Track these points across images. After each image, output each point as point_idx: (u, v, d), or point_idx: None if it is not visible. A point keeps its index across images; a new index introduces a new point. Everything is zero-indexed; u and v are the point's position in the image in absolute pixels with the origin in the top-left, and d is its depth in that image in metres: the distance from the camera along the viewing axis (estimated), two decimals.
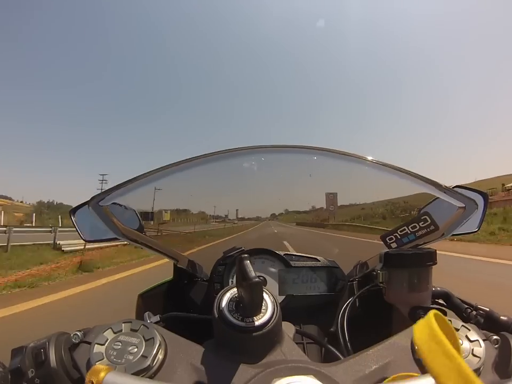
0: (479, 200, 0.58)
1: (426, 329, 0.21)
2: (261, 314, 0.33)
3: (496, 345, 0.36)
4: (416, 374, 0.27)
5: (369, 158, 0.57)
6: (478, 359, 0.33)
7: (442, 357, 0.19)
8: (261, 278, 0.66)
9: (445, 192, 0.54)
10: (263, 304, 0.33)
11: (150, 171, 0.55)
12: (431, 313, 0.23)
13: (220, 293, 0.35)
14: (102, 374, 0.25)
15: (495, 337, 0.36)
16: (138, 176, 0.54)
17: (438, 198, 0.59)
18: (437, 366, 0.19)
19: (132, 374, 0.28)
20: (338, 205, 0.87)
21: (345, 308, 0.57)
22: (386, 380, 0.28)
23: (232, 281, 0.66)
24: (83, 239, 0.62)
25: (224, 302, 0.34)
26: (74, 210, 0.61)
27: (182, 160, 0.57)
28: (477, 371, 0.32)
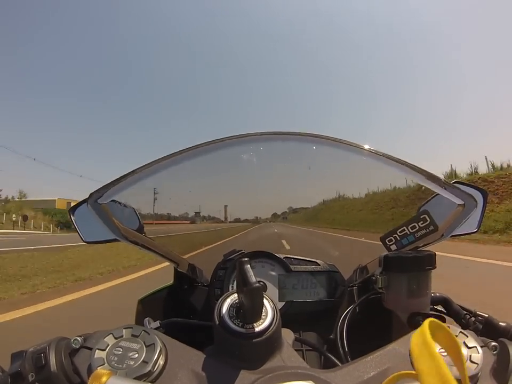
0: (478, 197, 0.57)
1: (420, 340, 0.22)
2: (261, 320, 0.33)
3: (494, 352, 0.36)
4: (415, 372, 0.27)
5: (366, 146, 0.55)
6: (476, 365, 0.33)
7: (433, 372, 0.20)
8: (261, 283, 0.66)
9: (444, 188, 0.53)
10: (263, 311, 0.34)
11: (146, 164, 0.54)
12: (426, 322, 0.23)
13: (220, 299, 0.36)
14: (104, 379, 0.25)
15: (493, 343, 0.37)
16: (136, 169, 0.53)
17: (437, 195, 0.58)
18: (423, 367, 0.20)
19: (133, 379, 0.29)
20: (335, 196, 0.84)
21: (345, 316, 0.57)
22: (385, 380, 0.27)
23: (232, 286, 0.66)
24: (83, 241, 0.61)
25: (224, 309, 0.34)
26: (73, 209, 0.60)
27: (176, 152, 0.55)
28: (475, 377, 0.32)
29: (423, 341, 0.21)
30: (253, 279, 0.30)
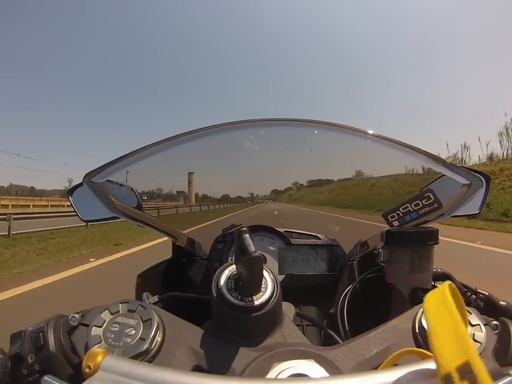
0: (482, 181, 0.56)
1: (438, 294, 0.21)
2: (261, 293, 0.32)
3: (495, 331, 0.35)
4: (418, 349, 0.27)
5: (371, 131, 0.55)
6: (479, 344, 0.32)
7: (445, 319, 0.19)
8: (261, 255, 0.65)
9: (450, 170, 0.53)
10: (263, 283, 0.33)
11: (143, 147, 0.53)
12: (446, 283, 0.22)
13: (218, 271, 0.35)
14: (99, 358, 0.24)
15: (494, 322, 0.36)
16: (132, 152, 0.53)
17: (442, 176, 0.58)
18: (437, 327, 0.19)
19: (130, 357, 0.28)
20: (338, 179, 0.82)
21: (346, 292, 0.57)
22: (388, 358, 0.27)
23: (231, 259, 0.66)
24: (81, 219, 0.61)
25: (222, 280, 0.33)
26: (71, 191, 0.60)
27: (178, 135, 0.55)
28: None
29: (441, 300, 0.21)
30: (252, 248, 0.29)
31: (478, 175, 0.54)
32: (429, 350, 0.28)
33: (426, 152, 0.53)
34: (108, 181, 0.55)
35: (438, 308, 0.20)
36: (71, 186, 0.62)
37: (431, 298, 0.22)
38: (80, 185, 0.58)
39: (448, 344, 0.18)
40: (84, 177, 0.54)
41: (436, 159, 0.53)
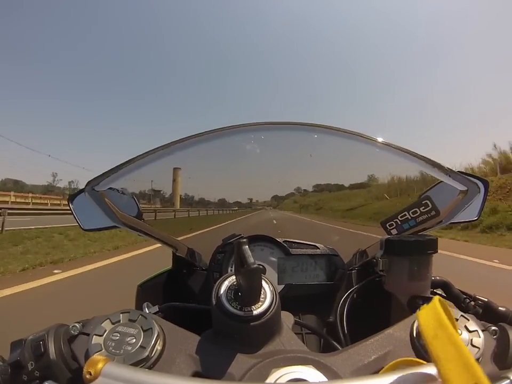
0: (480, 186, 0.56)
1: (432, 314, 0.22)
2: (260, 303, 0.33)
3: (494, 336, 0.35)
4: (416, 359, 0.27)
5: (380, 139, 0.55)
6: (477, 349, 0.32)
7: (446, 343, 0.20)
8: (260, 266, 0.65)
9: (447, 175, 0.53)
10: (262, 293, 0.33)
11: (143, 153, 0.53)
12: (436, 299, 0.23)
13: (218, 282, 0.35)
14: (100, 365, 0.25)
15: (493, 328, 0.36)
16: (133, 158, 0.53)
17: (440, 182, 0.58)
18: (440, 352, 0.19)
19: (130, 364, 0.28)
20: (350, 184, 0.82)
21: (345, 299, 0.57)
22: (387, 365, 0.28)
23: (231, 269, 0.66)
24: (82, 228, 0.60)
25: (222, 291, 0.34)
26: (72, 198, 0.60)
27: (177, 140, 0.55)
28: (476, 362, 0.32)
29: (438, 323, 0.21)
30: (251, 259, 0.29)
31: (476, 181, 0.55)
32: (427, 359, 0.28)
33: (425, 157, 0.53)
34: (110, 188, 0.55)
35: (437, 331, 0.21)
36: (72, 193, 0.60)
37: (425, 317, 0.22)
38: (80, 192, 0.58)
39: (454, 368, 0.18)
40: (86, 185, 0.54)
41: (434, 164, 0.53)
